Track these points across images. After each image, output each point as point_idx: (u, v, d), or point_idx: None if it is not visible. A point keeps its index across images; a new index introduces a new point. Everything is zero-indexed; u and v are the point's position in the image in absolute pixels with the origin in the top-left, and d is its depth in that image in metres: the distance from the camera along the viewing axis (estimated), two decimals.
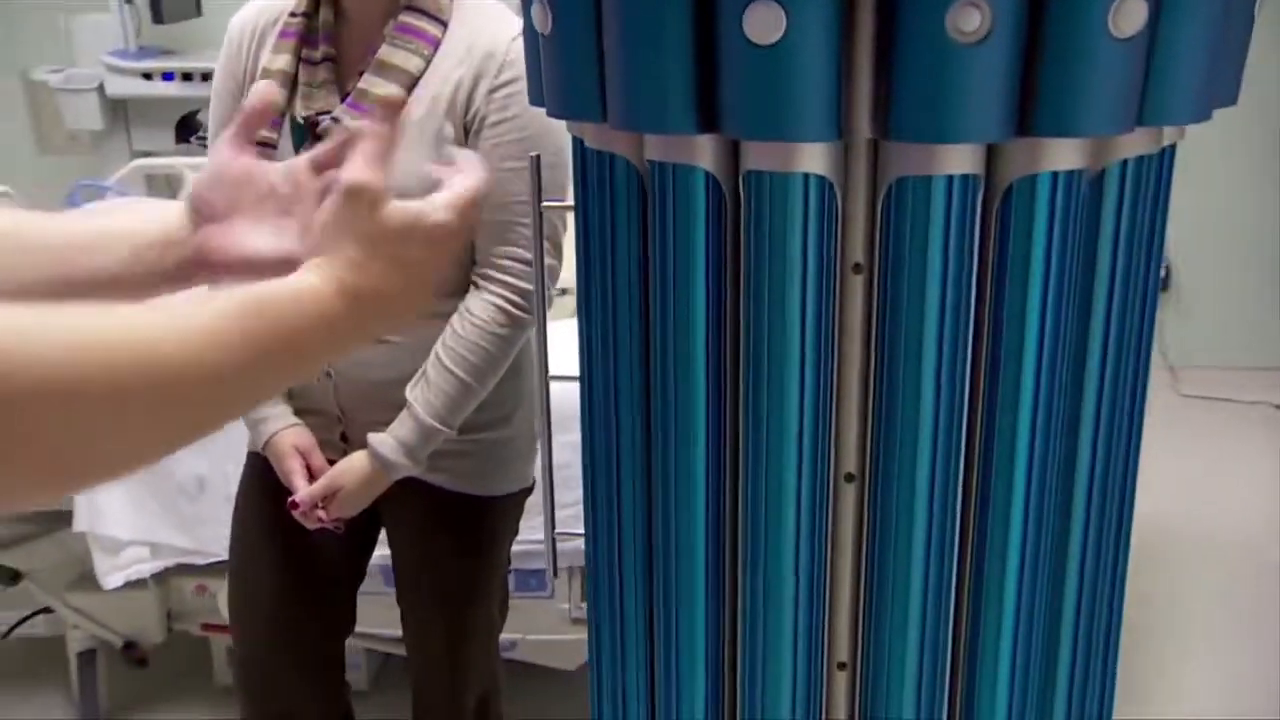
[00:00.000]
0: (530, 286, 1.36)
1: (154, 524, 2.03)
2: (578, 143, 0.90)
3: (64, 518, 2.04)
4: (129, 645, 2.21)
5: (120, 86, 3.37)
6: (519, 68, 1.31)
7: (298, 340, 0.66)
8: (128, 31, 3.39)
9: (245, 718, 1.61)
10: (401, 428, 1.38)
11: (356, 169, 0.70)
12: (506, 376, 1.43)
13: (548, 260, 1.36)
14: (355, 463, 1.41)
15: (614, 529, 0.96)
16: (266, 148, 1.36)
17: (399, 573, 1.56)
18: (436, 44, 1.34)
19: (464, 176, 0.76)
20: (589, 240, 0.91)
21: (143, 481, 2.02)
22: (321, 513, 1.41)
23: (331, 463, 1.44)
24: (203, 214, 0.78)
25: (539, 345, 1.10)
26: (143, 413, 0.57)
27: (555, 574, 1.18)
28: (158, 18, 3.30)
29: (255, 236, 0.77)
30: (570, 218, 0.94)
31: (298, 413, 1.47)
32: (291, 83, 1.36)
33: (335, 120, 1.32)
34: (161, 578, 2.12)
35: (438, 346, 1.37)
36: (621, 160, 0.85)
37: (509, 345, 1.39)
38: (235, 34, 1.44)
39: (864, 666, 0.91)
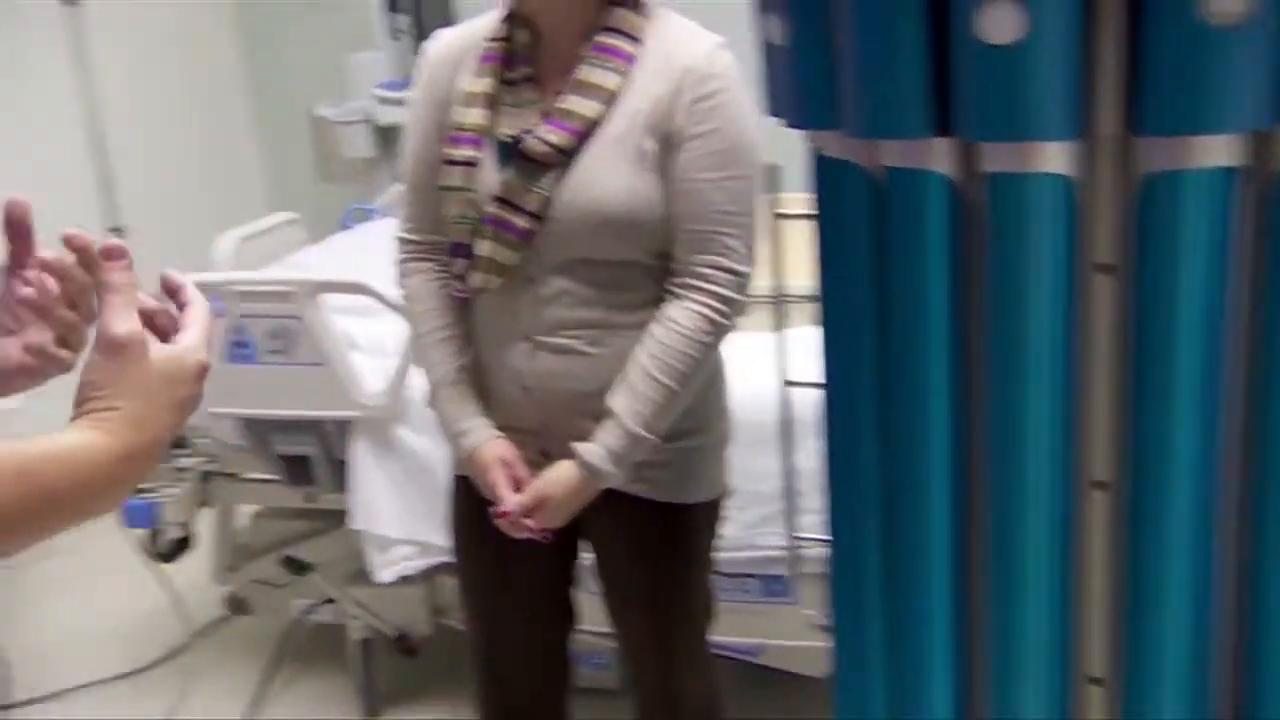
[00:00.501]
0: (733, 294, 1.36)
1: (420, 524, 2.17)
2: (814, 152, 0.91)
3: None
4: (401, 636, 2.37)
5: (389, 116, 3.64)
6: (718, 81, 1.33)
7: (64, 504, 0.65)
8: (396, 64, 3.66)
9: (480, 700, 1.70)
10: (610, 436, 1.39)
11: (116, 322, 0.69)
12: (703, 384, 1.44)
13: (744, 269, 1.36)
14: (562, 472, 1.42)
15: (855, 535, 0.96)
16: (468, 166, 1.42)
17: (603, 582, 1.59)
18: (633, 61, 1.38)
19: (195, 309, 0.76)
20: (827, 248, 0.92)
21: (411, 484, 2.17)
22: (530, 521, 1.44)
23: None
24: None
25: (778, 352, 1.11)
26: None
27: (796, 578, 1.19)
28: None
29: None
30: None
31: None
32: (492, 103, 1.42)
33: (539, 139, 1.37)
34: (428, 574, 2.26)
35: (640, 356, 1.39)
36: (856, 168, 0.86)
37: (711, 353, 1.41)
38: (434, 61, 1.49)
39: (1121, 683, 0.87)
